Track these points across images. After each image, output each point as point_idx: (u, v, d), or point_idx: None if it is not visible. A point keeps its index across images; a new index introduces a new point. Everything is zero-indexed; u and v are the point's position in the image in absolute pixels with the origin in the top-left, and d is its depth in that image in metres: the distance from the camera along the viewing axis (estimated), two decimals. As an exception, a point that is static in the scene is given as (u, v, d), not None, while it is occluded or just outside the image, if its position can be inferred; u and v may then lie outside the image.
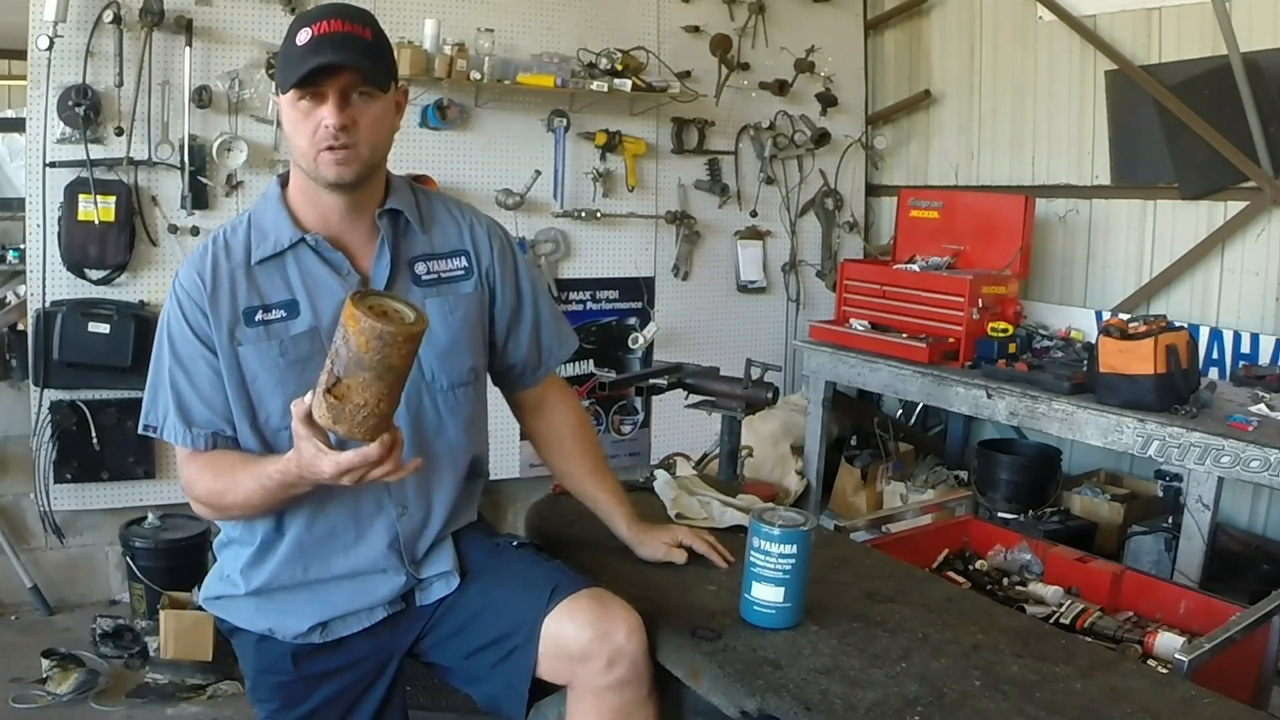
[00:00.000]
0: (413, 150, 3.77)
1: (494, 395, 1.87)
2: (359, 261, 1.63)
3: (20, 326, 3.40)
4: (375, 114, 1.54)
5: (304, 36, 1.49)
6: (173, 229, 3.45)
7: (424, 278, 1.67)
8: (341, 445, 1.40)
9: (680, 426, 4.16)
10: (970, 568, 2.41)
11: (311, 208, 1.61)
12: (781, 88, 4.55)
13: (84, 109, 3.25)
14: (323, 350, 1.54)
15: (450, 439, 1.69)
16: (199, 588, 3.23)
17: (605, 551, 1.89)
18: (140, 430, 1.61)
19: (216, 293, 1.56)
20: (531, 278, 1.82)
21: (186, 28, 3.36)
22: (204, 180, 3.46)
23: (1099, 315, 3.87)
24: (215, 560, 1.75)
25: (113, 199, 3.31)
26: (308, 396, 1.37)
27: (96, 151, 3.29)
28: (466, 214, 1.77)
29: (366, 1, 1.65)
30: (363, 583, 1.65)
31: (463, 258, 1.71)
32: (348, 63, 1.48)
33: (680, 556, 1.85)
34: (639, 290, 4.35)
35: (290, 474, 1.44)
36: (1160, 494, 3.62)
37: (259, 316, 1.57)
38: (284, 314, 1.58)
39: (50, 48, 3.19)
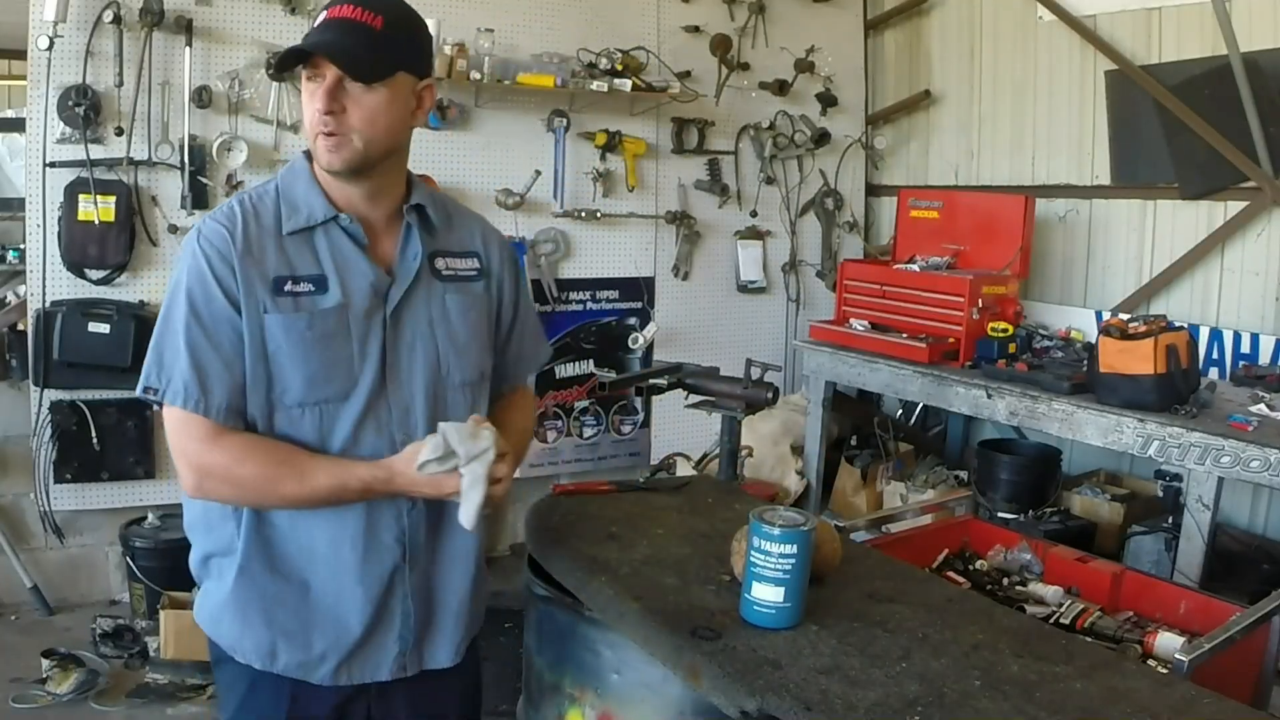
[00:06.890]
0: (413, 150, 3.74)
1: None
2: (379, 248, 1.61)
3: (20, 326, 3.41)
4: (370, 104, 1.50)
5: (320, 17, 1.48)
6: (173, 229, 3.45)
7: (444, 273, 1.66)
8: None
9: (680, 426, 4.15)
10: (970, 568, 2.41)
11: (336, 188, 1.58)
12: (781, 88, 4.55)
13: (84, 109, 3.25)
14: (347, 328, 1.52)
15: None
16: (199, 590, 3.26)
17: (605, 551, 1.89)
18: (139, 392, 1.47)
19: (247, 254, 1.49)
20: (526, 288, 1.84)
21: (186, 28, 3.36)
22: (204, 180, 3.46)
23: (1099, 315, 3.87)
24: (199, 585, 1.65)
25: (113, 199, 3.31)
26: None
27: (96, 151, 3.29)
28: (476, 218, 1.79)
29: (364, 2, 1.64)
30: (361, 573, 1.54)
31: (474, 259, 1.71)
32: (326, 51, 1.43)
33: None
34: (639, 290, 4.35)
35: (379, 481, 1.46)
36: (1160, 494, 3.62)
37: (288, 287, 1.51)
38: (312, 288, 1.52)
39: (50, 48, 3.20)
